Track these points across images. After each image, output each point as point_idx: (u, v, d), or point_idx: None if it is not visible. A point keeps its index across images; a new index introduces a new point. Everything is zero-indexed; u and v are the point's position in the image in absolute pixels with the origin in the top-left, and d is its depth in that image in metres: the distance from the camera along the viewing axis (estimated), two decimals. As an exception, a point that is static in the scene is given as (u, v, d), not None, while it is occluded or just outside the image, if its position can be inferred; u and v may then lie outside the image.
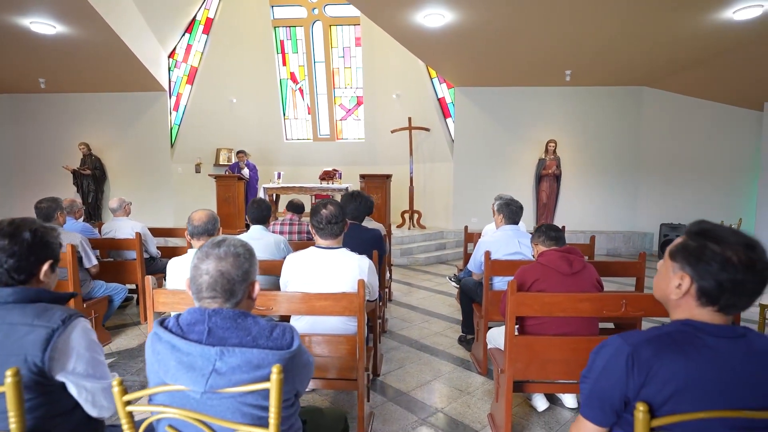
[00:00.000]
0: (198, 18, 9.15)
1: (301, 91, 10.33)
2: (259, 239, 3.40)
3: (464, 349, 3.75)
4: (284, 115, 10.51)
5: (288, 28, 9.76)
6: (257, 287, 1.31)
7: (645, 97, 8.44)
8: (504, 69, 7.57)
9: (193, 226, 2.40)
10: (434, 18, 5.06)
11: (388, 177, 8.08)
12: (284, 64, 10.12)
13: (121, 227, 4.40)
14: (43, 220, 3.58)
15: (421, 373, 3.28)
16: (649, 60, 6.90)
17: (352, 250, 3.19)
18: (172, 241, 6.94)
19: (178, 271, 2.42)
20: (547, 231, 2.52)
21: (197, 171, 9.60)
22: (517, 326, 2.48)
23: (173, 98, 9.31)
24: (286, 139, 10.71)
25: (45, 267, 1.41)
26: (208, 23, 9.28)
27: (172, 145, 9.40)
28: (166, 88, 9.03)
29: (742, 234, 1.08)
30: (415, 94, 9.43)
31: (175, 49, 9.11)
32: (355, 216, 3.29)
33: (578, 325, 2.33)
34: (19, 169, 9.35)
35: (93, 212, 9.21)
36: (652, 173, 8.49)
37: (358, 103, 10.27)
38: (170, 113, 9.27)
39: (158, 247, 4.68)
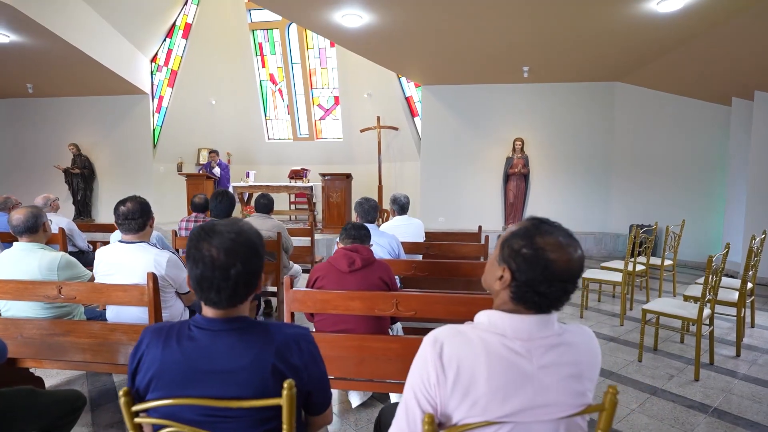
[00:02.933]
0: (177, 23, 9.54)
1: (281, 92, 10.56)
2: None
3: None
4: (265, 115, 10.77)
5: (265, 31, 10.01)
6: None
7: (618, 92, 8.12)
8: (462, 66, 7.49)
9: (12, 225, 2.57)
10: (352, 18, 5.10)
11: (349, 176, 8.16)
12: (263, 65, 10.37)
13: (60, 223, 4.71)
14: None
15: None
16: (615, 54, 6.64)
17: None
18: (115, 236, 7.22)
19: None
20: (348, 230, 2.55)
21: (179, 170, 9.99)
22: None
23: (156, 101, 9.75)
24: (268, 139, 10.97)
25: None
26: (187, 28, 9.64)
27: (154, 146, 9.85)
28: (148, 92, 9.47)
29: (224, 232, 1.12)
30: (384, 93, 9.47)
31: (157, 53, 9.54)
32: (216, 214, 3.42)
33: (355, 323, 2.35)
34: (15, 169, 10.06)
35: (82, 209, 9.78)
36: (624, 172, 8.16)
37: (336, 103, 10.39)
38: (153, 115, 9.71)
39: (97, 242, 4.96)
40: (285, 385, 1.03)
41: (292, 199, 10.20)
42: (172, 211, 9.73)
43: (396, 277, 3.58)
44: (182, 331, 1.12)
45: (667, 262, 5.31)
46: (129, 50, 8.55)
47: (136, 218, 2.48)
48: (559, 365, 1.00)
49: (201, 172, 8.83)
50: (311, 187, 8.57)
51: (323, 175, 8.18)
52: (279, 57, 10.21)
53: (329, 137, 10.73)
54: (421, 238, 4.28)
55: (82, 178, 9.63)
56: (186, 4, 9.48)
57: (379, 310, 2.27)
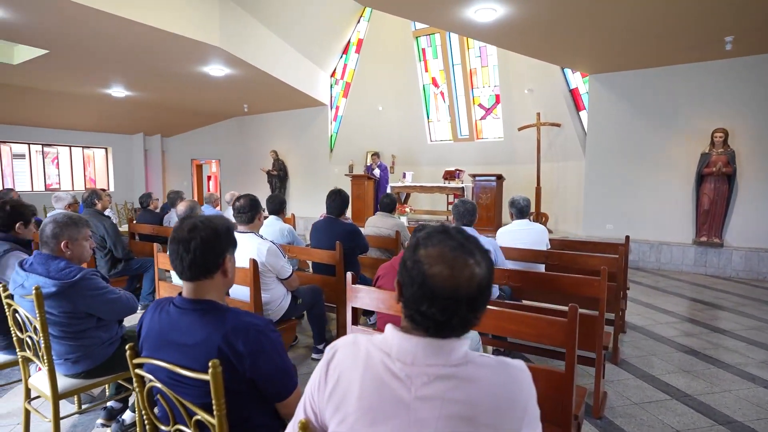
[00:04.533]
0: (351, 40, 10.71)
1: (443, 94, 10.76)
2: (270, 226, 4.26)
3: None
4: (428, 118, 11.15)
5: (428, 36, 10.35)
6: (63, 244, 2.10)
7: None
8: (637, 47, 6.28)
9: (177, 215, 3.40)
10: (486, 12, 4.81)
11: (500, 177, 7.83)
12: (426, 70, 10.75)
13: (231, 214, 5.97)
14: (169, 204, 5.35)
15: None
16: None
17: (323, 240, 3.74)
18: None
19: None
20: (416, 231, 2.52)
21: (350, 171, 11.23)
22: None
23: (333, 110, 11.17)
24: (430, 141, 11.32)
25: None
26: (360, 44, 10.72)
27: (331, 150, 11.30)
28: (327, 103, 10.93)
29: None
30: (546, 87, 8.68)
31: (335, 69, 10.92)
32: (330, 211, 3.78)
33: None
34: (237, 171, 12.97)
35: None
36: None
37: (497, 102, 10.05)
38: (330, 123, 11.17)
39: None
40: (210, 363, 1.15)
41: (450, 200, 10.31)
42: (341, 208, 11.00)
43: (495, 285, 3.35)
44: (164, 306, 1.37)
45: None
46: (312, 69, 10.02)
47: (247, 212, 2.98)
48: (443, 400, 0.85)
49: (364, 173, 9.73)
50: (462, 188, 8.53)
51: (473, 176, 8.06)
52: (441, 60, 10.42)
53: (490, 137, 10.44)
54: (543, 246, 3.85)
55: (278, 179, 11.74)
56: (359, 22, 10.57)
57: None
